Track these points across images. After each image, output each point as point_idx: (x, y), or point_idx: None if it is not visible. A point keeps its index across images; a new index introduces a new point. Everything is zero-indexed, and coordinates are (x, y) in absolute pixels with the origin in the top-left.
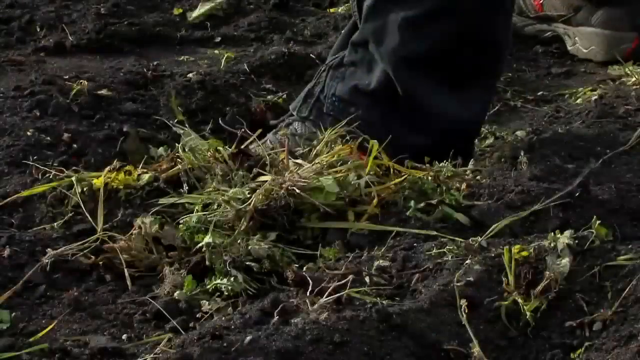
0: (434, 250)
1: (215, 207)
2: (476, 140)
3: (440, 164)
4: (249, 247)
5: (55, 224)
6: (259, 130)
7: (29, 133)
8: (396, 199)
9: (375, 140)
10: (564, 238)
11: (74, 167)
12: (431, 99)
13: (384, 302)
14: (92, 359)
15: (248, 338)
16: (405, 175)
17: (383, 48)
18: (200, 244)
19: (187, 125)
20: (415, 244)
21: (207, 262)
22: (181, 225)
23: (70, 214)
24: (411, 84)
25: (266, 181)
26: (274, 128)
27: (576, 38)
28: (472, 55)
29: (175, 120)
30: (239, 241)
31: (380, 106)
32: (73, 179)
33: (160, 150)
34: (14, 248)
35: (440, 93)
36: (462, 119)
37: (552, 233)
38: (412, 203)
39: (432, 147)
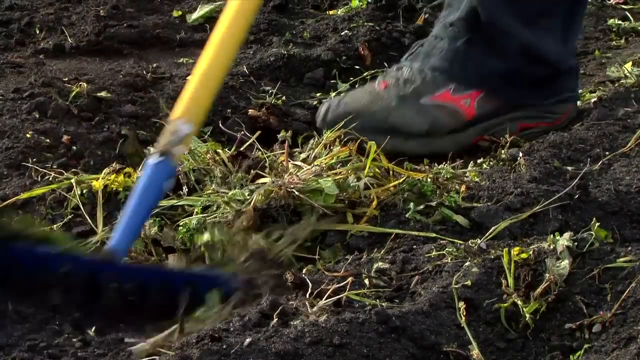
0: (434, 252)
1: (215, 208)
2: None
3: (440, 166)
4: None
5: (54, 226)
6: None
7: (28, 135)
8: (395, 200)
9: (374, 142)
10: (564, 240)
11: (73, 169)
12: (511, 27)
13: (383, 304)
14: None
15: (247, 340)
16: (405, 177)
17: None
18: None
19: None
20: (414, 246)
21: (206, 261)
22: (181, 227)
23: (70, 216)
24: (493, 11)
25: (265, 183)
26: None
27: None
28: None
29: None
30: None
31: (463, 35)
32: (72, 181)
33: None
34: None
35: (519, 23)
36: (539, 50)
37: (552, 235)
38: (411, 205)
39: (511, 73)
